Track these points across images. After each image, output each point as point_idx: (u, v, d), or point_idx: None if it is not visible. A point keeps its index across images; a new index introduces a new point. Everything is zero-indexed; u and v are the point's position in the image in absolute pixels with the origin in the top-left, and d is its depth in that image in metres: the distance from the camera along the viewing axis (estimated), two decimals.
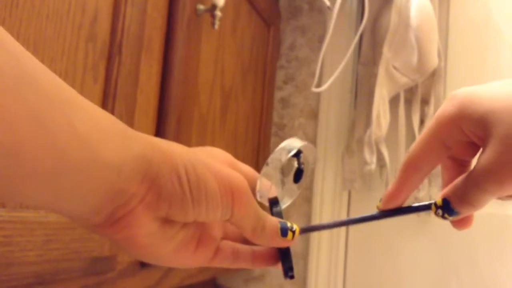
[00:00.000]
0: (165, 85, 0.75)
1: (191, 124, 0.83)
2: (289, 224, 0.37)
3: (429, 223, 1.18)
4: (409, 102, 1.16)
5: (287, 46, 1.33)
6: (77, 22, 0.56)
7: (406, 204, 0.40)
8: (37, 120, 0.23)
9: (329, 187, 1.24)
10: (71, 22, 0.55)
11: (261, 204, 0.38)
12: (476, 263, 1.12)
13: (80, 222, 0.31)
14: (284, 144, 0.39)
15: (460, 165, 0.39)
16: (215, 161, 0.35)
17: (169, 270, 0.80)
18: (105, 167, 0.27)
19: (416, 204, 0.39)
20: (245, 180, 0.34)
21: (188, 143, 0.82)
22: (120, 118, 0.30)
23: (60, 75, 0.27)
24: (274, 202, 0.39)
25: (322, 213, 1.24)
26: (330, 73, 1.09)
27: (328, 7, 1.08)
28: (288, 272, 0.37)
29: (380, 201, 0.41)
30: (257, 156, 1.18)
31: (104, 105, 0.61)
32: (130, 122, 0.66)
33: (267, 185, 0.39)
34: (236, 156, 0.40)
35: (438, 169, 0.41)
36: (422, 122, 1.17)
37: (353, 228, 1.24)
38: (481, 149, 0.35)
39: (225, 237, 0.39)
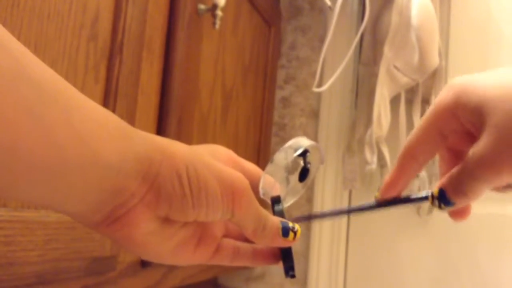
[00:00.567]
0: (166, 84, 0.75)
1: (192, 124, 0.83)
2: (290, 224, 0.36)
3: (429, 223, 1.18)
4: (410, 102, 1.16)
5: (288, 46, 1.33)
6: (78, 22, 0.56)
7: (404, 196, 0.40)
8: (34, 117, 0.24)
9: (330, 186, 1.24)
10: (72, 22, 0.55)
11: (263, 202, 0.37)
12: (476, 263, 1.12)
13: (79, 220, 0.31)
14: (291, 142, 0.39)
15: (457, 156, 0.39)
16: (217, 159, 0.34)
17: (170, 270, 0.80)
18: (103, 165, 0.27)
19: (414, 195, 0.39)
20: (247, 180, 0.33)
21: (189, 142, 0.82)
22: (121, 117, 0.30)
23: (61, 75, 0.27)
24: (276, 200, 0.39)
25: None
26: (331, 73, 1.09)
27: (329, 7, 1.08)
28: (289, 271, 0.37)
29: (378, 191, 0.41)
30: (257, 156, 1.18)
31: (105, 105, 0.61)
32: (131, 122, 0.66)
33: (271, 182, 0.39)
34: (237, 155, 0.40)
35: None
36: None
37: (354, 227, 1.24)
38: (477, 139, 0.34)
39: (227, 234, 0.38)
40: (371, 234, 1.23)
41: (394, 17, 1.06)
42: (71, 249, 0.55)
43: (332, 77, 1.06)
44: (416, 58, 1.07)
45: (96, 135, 0.27)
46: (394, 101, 1.13)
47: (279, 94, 1.32)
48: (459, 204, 0.36)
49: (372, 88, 1.11)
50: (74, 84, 0.27)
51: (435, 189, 0.37)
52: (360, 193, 1.24)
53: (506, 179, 0.33)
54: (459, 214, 0.38)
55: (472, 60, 1.19)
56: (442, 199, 0.36)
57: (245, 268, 1.24)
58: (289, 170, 0.40)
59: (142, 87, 0.68)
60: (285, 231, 0.36)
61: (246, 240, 0.38)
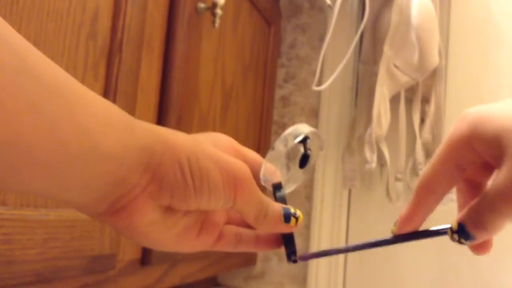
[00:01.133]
0: (165, 83, 0.75)
1: (191, 122, 0.83)
2: (292, 210, 0.36)
3: (429, 223, 1.18)
4: (409, 101, 1.16)
5: (288, 45, 1.33)
6: (78, 20, 0.56)
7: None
8: (36, 111, 0.24)
9: (329, 185, 1.24)
10: (71, 20, 0.55)
11: (264, 189, 0.37)
12: (476, 263, 1.12)
13: (83, 211, 0.31)
14: (291, 129, 0.39)
15: (476, 187, 0.37)
16: (218, 147, 0.35)
17: (170, 268, 0.80)
18: (106, 157, 0.27)
19: (433, 228, 0.37)
20: (248, 168, 0.34)
21: None
22: None
23: None
24: (277, 187, 0.39)
25: (323, 211, 1.24)
26: (331, 72, 1.09)
27: (329, 6, 1.08)
28: (291, 256, 0.37)
29: (394, 225, 0.39)
30: None
31: None
32: None
33: (272, 169, 0.39)
34: None
35: None
36: (422, 121, 1.17)
37: (353, 228, 1.24)
38: (496, 170, 0.33)
39: (229, 221, 0.39)
40: (371, 235, 1.23)
41: (394, 16, 1.06)
42: (70, 247, 0.55)
43: (332, 76, 1.06)
44: (416, 57, 1.07)
45: (98, 127, 0.27)
46: (394, 100, 1.13)
47: (279, 93, 1.32)
48: (480, 238, 0.34)
49: (372, 87, 1.11)
50: None
51: (454, 222, 0.35)
52: (359, 192, 1.24)
53: None
54: (481, 248, 0.37)
55: (472, 60, 1.19)
56: (462, 233, 0.34)
57: (245, 267, 1.24)
58: (290, 157, 0.40)
59: (142, 85, 0.68)
60: (287, 217, 0.36)
61: (248, 226, 0.38)
